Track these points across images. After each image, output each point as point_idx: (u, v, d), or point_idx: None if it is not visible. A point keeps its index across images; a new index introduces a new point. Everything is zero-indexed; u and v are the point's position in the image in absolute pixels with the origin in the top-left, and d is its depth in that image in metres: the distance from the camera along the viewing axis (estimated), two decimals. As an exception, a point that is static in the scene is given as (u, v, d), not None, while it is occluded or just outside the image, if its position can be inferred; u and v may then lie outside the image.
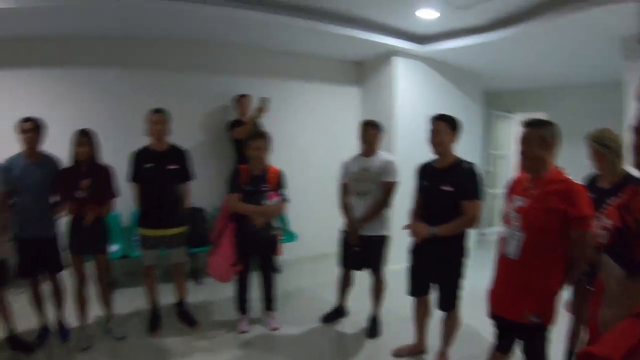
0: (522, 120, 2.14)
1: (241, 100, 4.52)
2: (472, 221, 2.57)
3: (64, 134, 3.07)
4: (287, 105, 5.08)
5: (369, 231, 3.28)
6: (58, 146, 3.09)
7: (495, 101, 6.69)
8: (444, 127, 2.61)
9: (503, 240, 2.15)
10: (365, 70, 5.48)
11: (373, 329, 3.37)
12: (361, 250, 3.32)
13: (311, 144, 5.18)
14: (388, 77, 5.03)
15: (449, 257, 2.69)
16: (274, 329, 3.44)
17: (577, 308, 2.55)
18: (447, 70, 5.30)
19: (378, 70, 5.22)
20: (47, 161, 3.08)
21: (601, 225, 1.96)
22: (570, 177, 1.97)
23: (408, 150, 4.51)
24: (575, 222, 1.90)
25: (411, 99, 4.98)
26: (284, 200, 3.31)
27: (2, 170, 2.90)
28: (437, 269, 2.74)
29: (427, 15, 4.07)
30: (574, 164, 2.17)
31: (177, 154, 3.29)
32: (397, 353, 3.10)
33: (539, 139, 1.99)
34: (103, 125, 3.61)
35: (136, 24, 3.99)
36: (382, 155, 3.34)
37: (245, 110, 4.49)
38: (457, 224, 2.58)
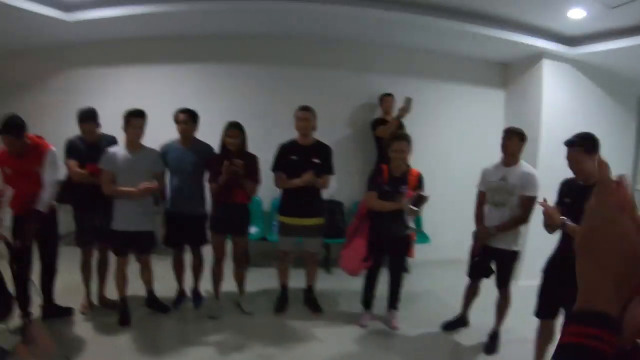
0: None
1: (385, 99, 4.59)
2: None
3: (217, 124, 3.39)
4: (430, 106, 5.02)
5: (501, 244, 3.13)
6: (211, 134, 3.43)
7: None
8: (578, 154, 2.41)
9: None
10: (511, 73, 5.19)
11: (491, 345, 3.23)
12: (483, 261, 3.21)
13: (452, 147, 5.07)
14: (535, 81, 4.70)
15: None
16: (394, 328, 3.46)
17: None
18: (598, 74, 4.80)
19: (525, 73, 4.92)
20: (200, 147, 3.43)
21: None
22: None
23: (553, 161, 4.14)
24: None
25: (559, 105, 4.61)
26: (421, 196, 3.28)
27: (160, 152, 3.32)
28: (568, 292, 2.51)
29: (577, 14, 3.77)
30: None
31: (321, 149, 3.44)
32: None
33: None
34: (253, 117, 3.94)
35: (288, 24, 4.27)
36: (524, 166, 3.14)
37: (388, 109, 4.56)
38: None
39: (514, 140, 3.11)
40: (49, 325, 3.09)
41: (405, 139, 3.27)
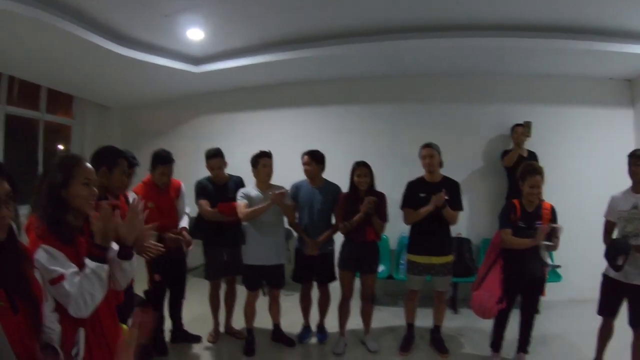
0: None
1: (516, 129, 4.49)
2: None
3: (344, 164, 3.54)
4: (555, 133, 4.81)
5: (637, 279, 2.85)
6: (338, 174, 3.57)
7: None
8: None
9: None
10: (638, 89, 4.79)
11: None
12: (616, 299, 2.97)
13: (579, 176, 4.76)
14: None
15: None
16: None
17: None
18: None
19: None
20: (329, 187, 3.58)
21: None
22: None
23: None
24: None
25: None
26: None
27: (290, 191, 3.52)
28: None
29: None
30: None
31: (449, 185, 3.42)
32: None
33: None
34: (379, 156, 4.08)
35: (409, 61, 4.43)
36: None
37: (521, 140, 4.46)
38: None
39: None
40: (178, 349, 3.37)
41: (539, 172, 3.13)
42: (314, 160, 3.55)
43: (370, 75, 4.74)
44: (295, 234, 3.71)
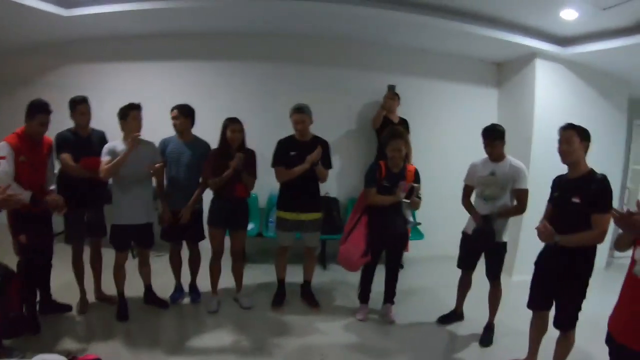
0: None
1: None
2: (600, 235, 2.42)
3: (215, 120, 3.44)
4: (428, 105, 5.13)
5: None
6: (209, 131, 3.47)
7: (641, 110, 6.01)
8: (573, 136, 2.48)
9: (633, 262, 1.96)
10: (505, 72, 5.28)
11: (486, 337, 3.30)
12: (472, 253, 3.33)
13: (448, 145, 5.14)
14: (528, 80, 4.79)
15: (572, 274, 2.56)
16: (391, 322, 3.53)
17: None
18: (589, 75, 4.89)
19: (518, 73, 5.01)
20: (198, 143, 3.48)
21: None
22: None
23: (546, 158, 4.23)
24: None
25: (551, 104, 4.69)
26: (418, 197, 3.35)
27: (158, 147, 3.38)
28: (559, 284, 2.62)
29: (569, 15, 3.83)
30: None
31: (319, 144, 3.45)
32: (508, 366, 3.02)
33: None
34: (251, 114, 3.96)
35: (288, 22, 4.32)
36: (511, 160, 3.20)
37: (393, 107, 4.65)
38: (584, 236, 2.44)
39: (498, 145, 3.18)
40: (47, 320, 3.10)
41: (401, 137, 3.31)
42: (183, 114, 3.42)
43: (246, 32, 4.59)
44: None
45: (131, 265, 3.44)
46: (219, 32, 4.60)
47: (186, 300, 3.68)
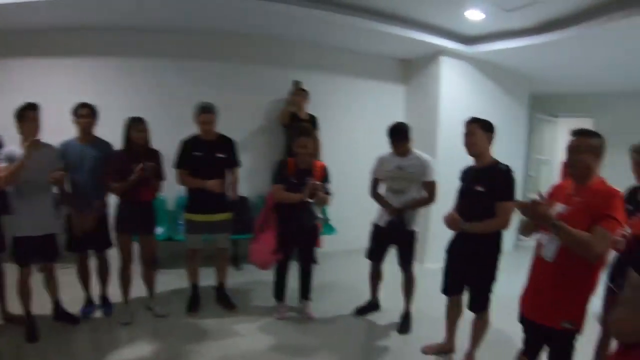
0: (572, 129, 2.12)
1: (297, 93, 4.63)
2: (504, 222, 2.58)
3: (116, 119, 3.25)
4: (336, 101, 5.17)
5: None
6: (110, 131, 3.27)
7: (541, 104, 6.52)
8: (476, 129, 2.63)
9: (540, 245, 2.13)
10: (411, 69, 5.46)
11: (404, 325, 3.41)
12: (382, 244, 3.43)
13: (357, 140, 5.23)
14: (434, 77, 5.00)
15: (481, 259, 2.71)
16: (309, 318, 3.53)
17: (606, 320, 2.51)
18: (493, 72, 5.21)
19: (424, 70, 5.20)
20: (100, 144, 3.25)
21: (621, 233, 1.88)
22: (612, 186, 1.94)
23: (452, 152, 4.44)
24: (601, 218, 1.85)
25: (456, 99, 4.94)
26: (327, 193, 3.38)
27: (58, 150, 3.09)
28: (469, 269, 2.76)
29: (475, 16, 4.03)
30: (616, 174, 2.13)
31: (225, 143, 3.40)
32: (426, 350, 3.13)
33: (588, 148, 1.97)
34: (156, 113, 3.74)
35: (195, 17, 4.14)
36: (418, 154, 3.31)
37: (301, 104, 4.62)
38: (489, 224, 2.60)
39: (404, 144, 3.27)
40: None
41: (308, 134, 3.31)
42: (92, 113, 3.18)
43: (148, 28, 4.35)
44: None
45: (37, 280, 3.10)
46: (119, 27, 4.32)
47: (98, 313, 3.42)
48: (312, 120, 4.60)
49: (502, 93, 5.37)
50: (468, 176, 2.78)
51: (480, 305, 2.78)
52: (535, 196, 2.02)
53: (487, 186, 2.59)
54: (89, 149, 3.18)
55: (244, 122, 4.74)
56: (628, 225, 1.76)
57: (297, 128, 3.35)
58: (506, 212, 2.55)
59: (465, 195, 2.76)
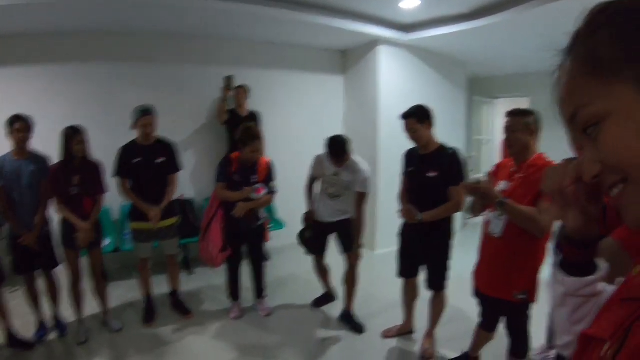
0: (507, 110, 2.23)
1: (237, 90, 4.57)
2: (459, 205, 2.67)
3: (50, 130, 3.10)
4: (276, 95, 5.15)
5: (336, 216, 3.34)
6: (45, 143, 3.12)
7: (478, 87, 6.78)
8: (414, 124, 2.66)
9: (488, 223, 2.24)
10: (349, 59, 5.51)
11: (352, 325, 3.39)
12: (319, 238, 3.46)
13: (299, 133, 5.23)
14: (372, 66, 5.05)
15: (436, 240, 2.80)
16: (267, 315, 3.55)
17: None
18: (431, 58, 5.34)
19: (362, 59, 5.24)
20: (36, 159, 3.07)
21: None
22: (552, 161, 2.04)
23: (391, 138, 4.62)
24: (544, 194, 1.93)
25: (395, 87, 5.03)
26: (271, 193, 3.39)
27: None
28: (425, 251, 2.85)
29: (409, 4, 4.11)
30: (555, 148, 2.27)
31: (164, 147, 3.31)
32: (386, 334, 3.23)
33: (523, 126, 2.08)
34: (91, 120, 3.61)
35: (123, 17, 3.97)
36: (355, 164, 3.19)
37: (240, 101, 4.57)
38: (444, 209, 2.66)
39: (342, 159, 3.14)
40: None
41: (258, 137, 3.26)
42: (28, 127, 2.96)
43: (79, 31, 4.12)
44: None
45: None
46: (49, 33, 4.07)
47: (52, 335, 3.25)
48: (254, 117, 4.58)
49: (441, 78, 5.53)
50: (415, 161, 2.81)
51: (438, 284, 2.87)
52: (480, 177, 2.12)
53: (438, 171, 2.64)
54: (25, 164, 2.99)
55: (184, 123, 4.63)
56: None
57: (245, 132, 3.22)
58: (459, 195, 2.62)
59: (415, 181, 2.81)
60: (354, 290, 3.42)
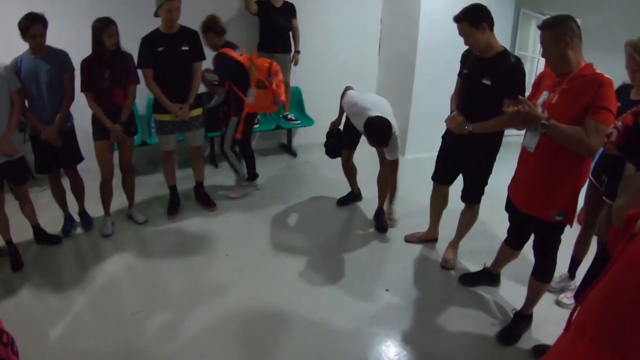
0: (538, 23, 1.97)
1: None
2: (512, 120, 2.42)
3: (69, 24, 3.06)
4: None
5: None
6: (60, 38, 3.01)
7: (527, 0, 6.18)
8: (465, 28, 2.36)
9: (526, 135, 2.07)
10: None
11: (379, 225, 3.41)
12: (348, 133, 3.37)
13: (333, 30, 4.86)
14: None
15: (480, 152, 2.60)
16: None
17: (588, 218, 2.52)
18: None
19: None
20: (55, 55, 2.95)
21: (612, 125, 1.75)
22: (602, 73, 1.82)
23: (431, 36, 4.32)
24: (593, 110, 1.77)
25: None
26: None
27: (12, 68, 2.79)
28: (466, 161, 2.68)
29: None
30: (608, 72, 2.00)
31: (188, 35, 3.19)
32: (408, 239, 3.22)
33: (555, 39, 1.83)
34: (111, 11, 3.26)
35: None
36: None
37: None
38: (496, 122, 2.38)
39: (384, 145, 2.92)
40: None
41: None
42: (44, 27, 2.82)
43: None
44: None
45: (13, 208, 3.01)
46: None
47: (79, 230, 3.36)
48: (290, 9, 4.37)
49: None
50: (471, 64, 2.54)
51: (474, 196, 2.75)
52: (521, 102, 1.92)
53: (492, 79, 2.37)
54: (43, 61, 2.89)
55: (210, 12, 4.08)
56: (620, 120, 1.67)
57: None
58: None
59: (469, 87, 2.56)
60: (386, 189, 3.33)
